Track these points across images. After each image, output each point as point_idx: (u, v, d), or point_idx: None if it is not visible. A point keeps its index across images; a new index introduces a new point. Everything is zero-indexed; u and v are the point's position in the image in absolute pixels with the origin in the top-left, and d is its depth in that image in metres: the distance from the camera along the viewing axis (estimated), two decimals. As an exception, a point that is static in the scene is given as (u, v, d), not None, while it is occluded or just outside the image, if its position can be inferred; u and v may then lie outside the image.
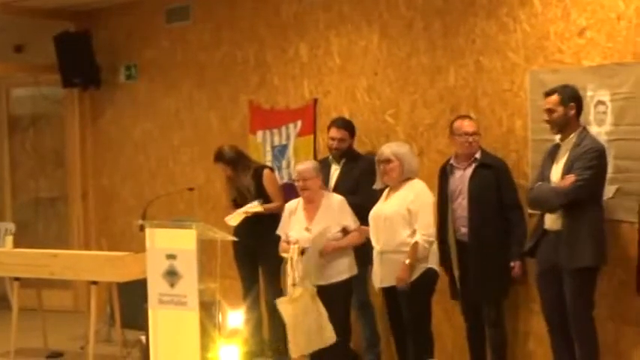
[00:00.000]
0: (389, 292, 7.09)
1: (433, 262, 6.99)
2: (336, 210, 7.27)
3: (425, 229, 6.87)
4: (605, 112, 6.54)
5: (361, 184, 7.66)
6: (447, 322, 7.71)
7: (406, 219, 6.91)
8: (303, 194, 7.36)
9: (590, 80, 6.58)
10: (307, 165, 7.43)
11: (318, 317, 7.14)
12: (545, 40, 7.01)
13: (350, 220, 7.25)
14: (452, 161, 7.12)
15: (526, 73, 7.12)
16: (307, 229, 7.27)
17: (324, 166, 7.94)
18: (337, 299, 7.19)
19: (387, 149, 7.10)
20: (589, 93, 6.57)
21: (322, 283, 7.22)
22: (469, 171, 6.97)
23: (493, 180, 6.89)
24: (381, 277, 7.06)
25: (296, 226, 7.37)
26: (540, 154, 6.95)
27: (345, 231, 7.25)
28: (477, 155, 6.98)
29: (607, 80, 6.56)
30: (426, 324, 7.09)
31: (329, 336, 7.18)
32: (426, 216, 6.90)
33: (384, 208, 7.06)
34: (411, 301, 6.95)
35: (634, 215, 6.41)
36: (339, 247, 7.20)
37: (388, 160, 7.03)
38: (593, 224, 6.24)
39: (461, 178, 7.01)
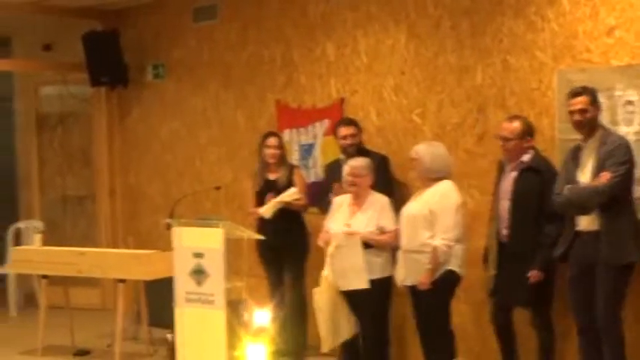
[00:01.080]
0: (413, 290, 7.09)
1: (455, 265, 6.95)
2: (378, 210, 7.27)
3: (444, 233, 6.86)
4: (633, 112, 6.51)
5: (376, 181, 7.61)
6: (474, 321, 7.70)
7: (428, 220, 6.91)
8: (351, 190, 7.37)
9: (618, 80, 6.55)
10: (360, 162, 7.40)
11: (342, 309, 7.23)
12: (573, 39, 6.98)
13: (389, 222, 7.22)
14: (504, 160, 7.02)
15: (554, 73, 7.09)
16: (347, 225, 7.28)
17: (336, 168, 7.96)
18: (366, 298, 7.16)
19: (415, 147, 7.18)
20: (617, 93, 6.54)
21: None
22: (515, 174, 6.85)
23: (538, 185, 6.73)
24: (404, 275, 7.07)
25: (338, 220, 7.39)
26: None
27: (382, 231, 7.23)
28: (525, 158, 6.82)
29: (635, 80, 6.53)
30: (445, 325, 7.07)
31: (348, 331, 7.26)
32: (447, 219, 6.88)
33: (410, 208, 7.08)
34: (429, 302, 6.96)
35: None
36: (368, 239, 7.18)
37: (412, 158, 7.12)
38: (631, 219, 6.24)
39: (508, 180, 6.89)
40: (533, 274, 6.71)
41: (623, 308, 6.34)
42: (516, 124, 6.84)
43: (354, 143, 7.98)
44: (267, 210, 8.14)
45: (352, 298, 7.18)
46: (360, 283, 7.13)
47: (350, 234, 7.18)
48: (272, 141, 8.43)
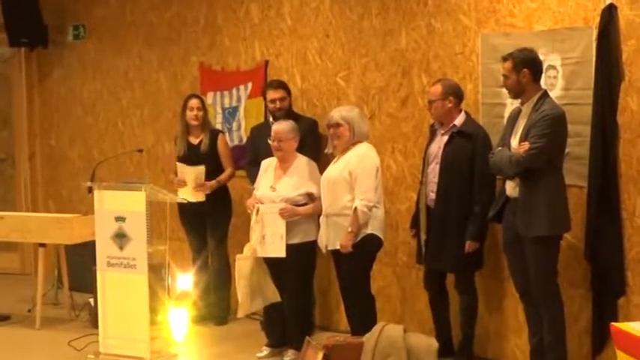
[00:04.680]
0: (335, 254, 7.07)
1: (375, 228, 6.92)
2: (305, 174, 7.23)
3: (364, 194, 6.83)
4: (555, 77, 6.54)
5: (305, 145, 7.57)
6: (398, 285, 7.73)
7: (348, 182, 6.88)
8: (277, 154, 7.31)
9: (541, 44, 6.56)
10: (284, 126, 7.32)
11: (263, 276, 7.18)
12: (497, 3, 6.98)
13: (317, 187, 7.17)
14: (436, 124, 7.01)
15: (477, 37, 7.11)
16: (272, 188, 7.24)
17: (264, 129, 7.89)
18: (288, 263, 7.12)
19: (336, 113, 7.06)
20: (540, 57, 6.55)
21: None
22: (446, 137, 6.82)
23: (468, 149, 6.73)
24: (326, 239, 7.05)
25: (263, 184, 7.34)
26: (491, 118, 6.96)
27: (310, 196, 7.20)
28: (457, 122, 6.80)
29: (558, 45, 6.56)
30: (365, 289, 7.06)
31: (270, 295, 7.20)
32: (366, 181, 6.86)
33: (330, 172, 7.04)
34: (351, 266, 6.95)
35: (584, 180, 6.43)
36: (297, 212, 7.15)
37: (338, 125, 7.00)
38: (550, 192, 6.16)
39: (438, 143, 6.88)
40: (469, 245, 6.72)
41: (557, 275, 6.34)
42: (437, 86, 6.86)
43: (283, 107, 7.91)
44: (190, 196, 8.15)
45: (275, 263, 7.15)
46: (279, 251, 7.11)
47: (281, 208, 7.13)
48: (194, 102, 8.35)
